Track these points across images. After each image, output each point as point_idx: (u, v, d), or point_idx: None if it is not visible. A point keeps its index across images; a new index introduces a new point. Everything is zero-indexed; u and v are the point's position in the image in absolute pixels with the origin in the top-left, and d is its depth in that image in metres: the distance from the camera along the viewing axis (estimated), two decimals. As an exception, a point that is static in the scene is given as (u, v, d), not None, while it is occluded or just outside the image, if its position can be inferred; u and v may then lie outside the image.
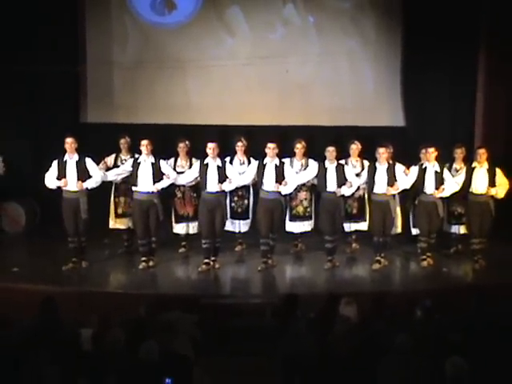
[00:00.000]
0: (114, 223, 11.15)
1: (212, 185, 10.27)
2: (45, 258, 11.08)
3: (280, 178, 10.31)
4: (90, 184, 10.27)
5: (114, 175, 10.61)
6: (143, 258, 10.56)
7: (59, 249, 11.05)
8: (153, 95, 12.70)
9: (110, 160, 11.01)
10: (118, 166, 10.81)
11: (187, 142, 10.95)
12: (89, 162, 10.29)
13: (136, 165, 10.37)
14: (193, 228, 11.18)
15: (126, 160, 10.84)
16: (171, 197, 11.10)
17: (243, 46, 12.64)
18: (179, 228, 11.28)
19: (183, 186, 10.92)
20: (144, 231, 10.44)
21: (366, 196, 11.04)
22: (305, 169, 10.89)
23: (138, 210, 10.38)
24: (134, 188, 10.36)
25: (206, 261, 10.57)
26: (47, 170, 10.53)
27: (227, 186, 10.36)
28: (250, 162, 10.99)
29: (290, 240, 11.52)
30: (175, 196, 11.09)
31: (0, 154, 11.93)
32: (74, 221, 10.24)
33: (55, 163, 10.23)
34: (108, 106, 12.92)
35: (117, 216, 11.08)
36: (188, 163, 10.93)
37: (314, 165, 10.71)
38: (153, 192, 10.29)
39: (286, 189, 10.25)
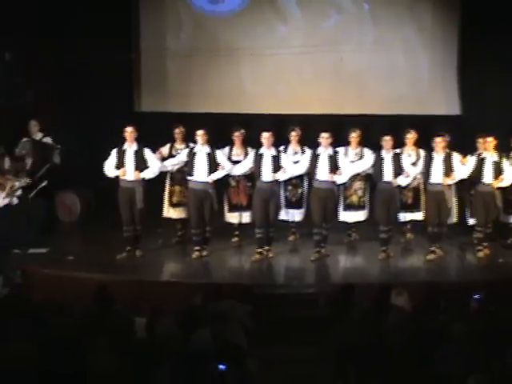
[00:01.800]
0: (168, 212, 11.08)
1: (266, 174, 10.19)
2: (99, 246, 11.08)
3: (333, 167, 10.23)
4: (148, 174, 10.25)
5: (171, 165, 10.59)
6: (196, 248, 10.49)
7: (113, 238, 11.06)
8: (206, 83, 12.68)
9: (164, 150, 10.96)
10: (173, 156, 10.74)
11: (242, 131, 10.79)
12: (147, 152, 10.26)
13: (191, 154, 10.33)
14: (246, 217, 11.03)
15: (180, 150, 10.78)
16: (225, 186, 11.00)
17: (296, 34, 12.60)
18: (233, 217, 11.16)
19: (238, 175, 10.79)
20: (198, 221, 10.37)
21: (422, 186, 10.87)
22: (360, 158, 10.79)
23: (192, 199, 10.33)
24: (189, 177, 10.33)
25: (259, 250, 10.45)
26: (102, 159, 10.52)
27: (281, 176, 10.30)
28: (304, 152, 10.87)
29: (344, 230, 11.38)
30: (229, 185, 10.97)
31: (56, 144, 12.07)
32: (130, 210, 10.21)
33: (114, 152, 10.23)
34: (162, 95, 12.91)
35: (171, 205, 11.00)
36: (243, 152, 10.79)
37: (369, 154, 10.62)
38: (208, 182, 10.25)
39: (341, 178, 10.19)
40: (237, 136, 10.82)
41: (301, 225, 11.39)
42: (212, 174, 10.23)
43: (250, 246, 10.84)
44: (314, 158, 10.34)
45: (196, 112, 12.38)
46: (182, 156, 10.51)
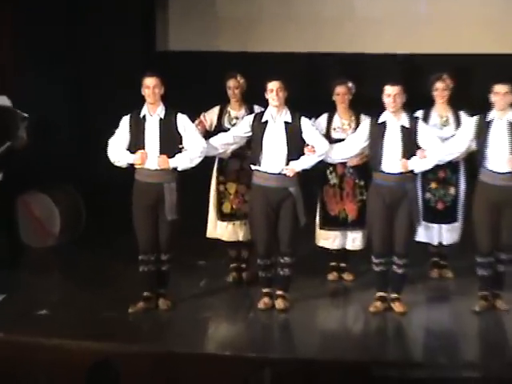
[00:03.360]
0: (215, 230, 8.12)
1: (392, 161, 7.13)
2: (94, 291, 8.08)
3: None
4: (183, 162, 7.27)
5: (222, 146, 7.55)
6: (266, 291, 7.49)
7: (119, 275, 8.24)
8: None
9: (210, 117, 7.89)
10: (226, 130, 7.72)
11: (350, 85, 7.73)
12: (183, 121, 7.27)
13: (259, 126, 7.32)
14: (354, 240, 7.88)
15: (238, 118, 7.83)
16: (318, 184, 7.95)
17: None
18: (329, 239, 8.00)
19: (342, 163, 7.76)
20: (269, 243, 7.41)
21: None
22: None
23: (260, 205, 7.39)
24: (253, 167, 7.37)
25: (381, 295, 7.39)
26: (101, 137, 7.45)
27: (420, 164, 7.16)
28: (458, 117, 7.76)
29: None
30: (325, 182, 7.89)
31: (21, 112, 8.67)
32: (152, 225, 7.34)
33: (126, 122, 7.35)
34: (202, 25, 10.30)
35: (221, 217, 8.03)
36: (352, 121, 7.73)
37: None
38: (287, 175, 7.28)
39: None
40: (341, 93, 7.74)
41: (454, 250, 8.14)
42: (294, 162, 7.30)
43: (361, 286, 7.96)
44: (481, 127, 7.12)
45: (262, 51, 9.78)
46: (241, 128, 7.50)
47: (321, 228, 7.83)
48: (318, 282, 8.02)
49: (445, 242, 7.86)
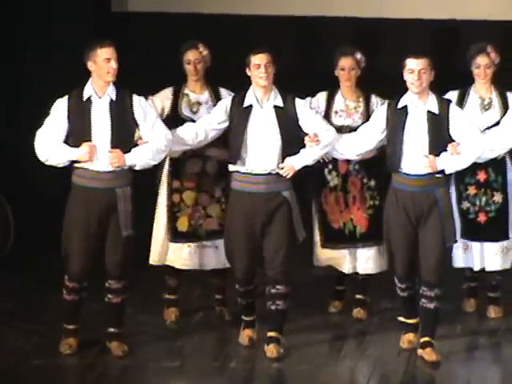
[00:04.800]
0: (164, 255, 6.65)
1: (415, 158, 5.96)
2: (22, 329, 6.55)
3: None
4: (142, 158, 6.03)
5: (191, 139, 6.21)
6: (248, 319, 6.26)
7: (53, 310, 6.62)
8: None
9: (161, 102, 6.58)
10: (185, 119, 6.42)
11: (359, 56, 6.46)
12: (140, 104, 6.04)
13: (240, 113, 6.04)
14: (366, 262, 6.39)
15: (200, 103, 6.55)
16: (316, 186, 6.64)
17: None
18: (333, 258, 6.62)
19: (347, 160, 6.44)
20: (252, 267, 6.12)
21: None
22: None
23: (243, 217, 6.07)
24: (234, 168, 6.09)
25: (413, 321, 6.13)
26: (31, 127, 6.19)
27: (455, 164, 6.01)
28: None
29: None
30: (324, 184, 6.61)
31: None
32: (95, 241, 5.98)
33: (62, 106, 6.00)
34: None
35: (174, 237, 6.57)
36: (362, 101, 6.47)
37: None
38: (279, 175, 6.03)
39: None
40: (346, 67, 6.48)
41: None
42: (292, 158, 6.05)
43: (379, 328, 6.48)
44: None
45: (238, 13, 8.33)
46: (214, 117, 6.15)
47: (323, 246, 6.33)
48: (321, 321, 6.50)
49: (488, 268, 6.34)
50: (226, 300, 6.66)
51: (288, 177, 5.87)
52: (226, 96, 6.27)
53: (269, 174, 5.89)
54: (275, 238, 5.86)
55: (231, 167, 5.87)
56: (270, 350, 5.78)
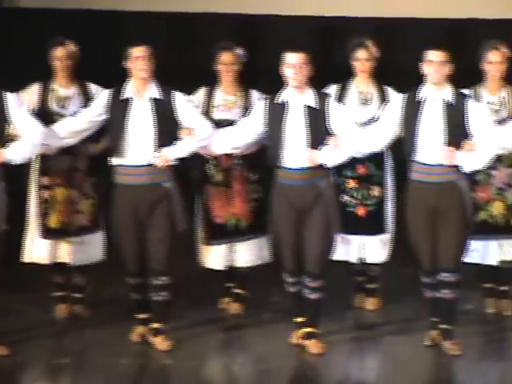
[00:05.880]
0: (33, 251, 6.52)
1: (296, 154, 6.08)
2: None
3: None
4: (15, 152, 5.89)
5: (70, 133, 6.07)
6: (141, 317, 6.05)
7: None
8: None
9: (28, 97, 6.44)
10: (54, 114, 6.38)
11: (238, 51, 6.49)
12: (7, 99, 5.93)
13: (119, 106, 5.99)
14: (246, 254, 6.45)
15: (69, 98, 6.46)
16: (197, 182, 6.49)
17: None
18: (217, 255, 6.47)
19: (229, 155, 6.43)
20: (141, 257, 5.97)
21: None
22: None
23: (127, 209, 6.03)
24: (116, 162, 6.02)
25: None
26: None
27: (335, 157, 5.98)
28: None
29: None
30: (206, 181, 6.52)
31: None
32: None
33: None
34: None
35: (45, 234, 6.40)
36: (241, 96, 6.46)
37: None
38: (156, 167, 5.96)
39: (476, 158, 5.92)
40: (225, 62, 6.50)
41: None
42: (167, 149, 5.99)
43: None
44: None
45: (128, 10, 8.27)
46: (93, 110, 6.09)
47: (206, 243, 6.22)
48: (211, 315, 6.28)
49: (369, 260, 6.29)
50: (84, 298, 6.45)
51: (161, 167, 5.78)
52: (96, 91, 6.26)
53: (149, 165, 5.81)
54: (157, 230, 5.78)
55: (113, 161, 5.76)
56: (158, 342, 5.68)
